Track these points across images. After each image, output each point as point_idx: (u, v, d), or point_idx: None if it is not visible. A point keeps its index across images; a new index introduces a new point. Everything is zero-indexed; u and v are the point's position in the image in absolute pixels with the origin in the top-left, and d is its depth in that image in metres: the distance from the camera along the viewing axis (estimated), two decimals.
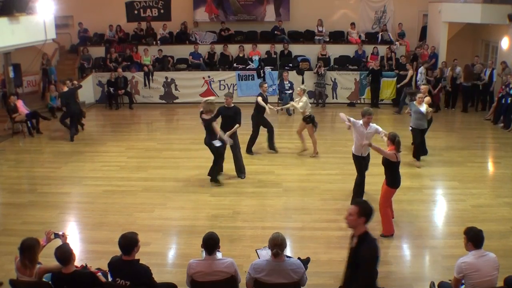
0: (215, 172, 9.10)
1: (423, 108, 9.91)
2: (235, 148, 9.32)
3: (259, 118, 10.80)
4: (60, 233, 5.07)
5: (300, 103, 10.46)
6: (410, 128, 10.26)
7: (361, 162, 8.02)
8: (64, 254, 4.48)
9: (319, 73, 15.68)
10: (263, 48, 16.91)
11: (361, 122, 7.78)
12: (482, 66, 14.83)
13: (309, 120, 10.49)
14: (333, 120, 14.33)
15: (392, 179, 6.92)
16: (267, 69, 16.20)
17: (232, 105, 9.42)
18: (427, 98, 10.45)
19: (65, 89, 12.73)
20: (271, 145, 11.03)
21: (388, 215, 7.11)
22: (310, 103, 15.94)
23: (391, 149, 6.84)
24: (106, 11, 17.27)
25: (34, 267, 4.62)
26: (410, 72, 15.27)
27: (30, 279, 4.59)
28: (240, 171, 9.44)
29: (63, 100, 13.04)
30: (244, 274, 4.86)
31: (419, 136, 10.08)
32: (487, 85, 14.66)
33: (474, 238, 4.63)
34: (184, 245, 6.91)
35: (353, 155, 8.09)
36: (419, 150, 10.18)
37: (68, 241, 4.98)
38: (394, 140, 6.80)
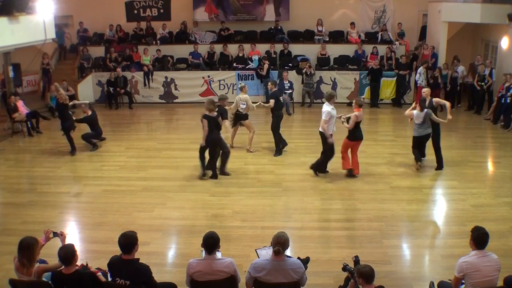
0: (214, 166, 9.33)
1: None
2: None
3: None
4: (59, 232, 5.08)
5: (244, 102, 10.72)
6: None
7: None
8: (68, 254, 4.49)
9: (308, 73, 15.68)
10: (263, 47, 16.90)
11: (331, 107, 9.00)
12: (484, 66, 14.76)
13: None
14: None
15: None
16: None
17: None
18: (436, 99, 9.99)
19: (89, 112, 11.46)
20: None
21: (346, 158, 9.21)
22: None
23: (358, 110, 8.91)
24: (105, 10, 17.26)
25: (33, 266, 4.61)
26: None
27: (29, 279, 4.59)
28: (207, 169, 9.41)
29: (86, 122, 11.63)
30: (244, 273, 4.86)
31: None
32: (488, 85, 14.59)
33: (477, 238, 4.62)
34: (183, 245, 6.91)
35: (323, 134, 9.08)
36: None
37: (69, 241, 4.98)
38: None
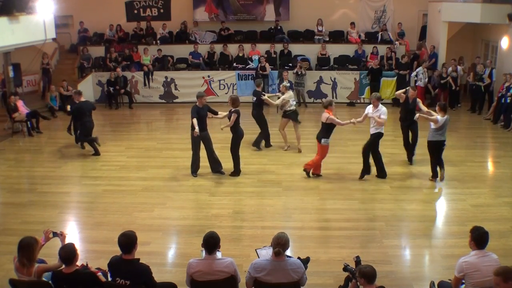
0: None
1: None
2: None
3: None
4: (58, 232, 5.08)
5: (278, 99, 10.87)
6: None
7: None
8: (69, 253, 4.50)
9: (299, 73, 15.65)
10: (263, 47, 16.90)
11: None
12: (483, 66, 14.75)
13: (286, 115, 10.85)
14: None
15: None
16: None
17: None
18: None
19: (82, 99, 10.92)
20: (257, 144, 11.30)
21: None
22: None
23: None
24: (106, 10, 17.26)
25: (33, 266, 4.61)
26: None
27: (29, 279, 4.59)
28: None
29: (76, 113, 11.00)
30: (244, 273, 4.86)
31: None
32: (487, 85, 14.59)
33: (478, 238, 4.63)
34: (183, 245, 6.91)
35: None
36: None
37: (69, 241, 4.98)
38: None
